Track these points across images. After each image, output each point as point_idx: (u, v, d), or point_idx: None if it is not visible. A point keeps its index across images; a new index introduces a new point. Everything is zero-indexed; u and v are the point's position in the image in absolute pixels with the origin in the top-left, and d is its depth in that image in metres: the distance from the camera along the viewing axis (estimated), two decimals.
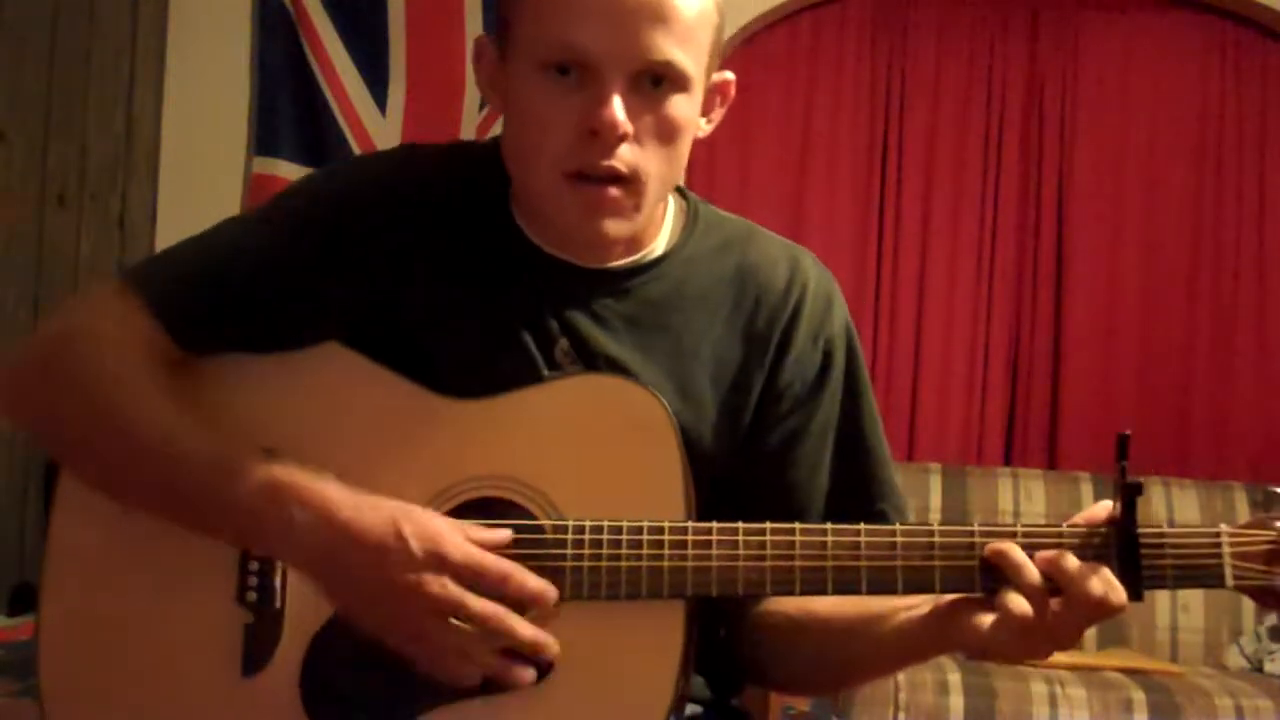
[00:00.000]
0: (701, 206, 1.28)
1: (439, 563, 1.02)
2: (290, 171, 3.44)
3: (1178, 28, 3.87)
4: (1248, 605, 3.25)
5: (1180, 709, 2.75)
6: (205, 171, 3.49)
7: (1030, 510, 3.32)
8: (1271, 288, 3.82)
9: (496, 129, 3.67)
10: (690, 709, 1.23)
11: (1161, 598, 3.20)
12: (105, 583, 1.13)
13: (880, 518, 1.24)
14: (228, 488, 1.05)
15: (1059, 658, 3.02)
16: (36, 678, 1.13)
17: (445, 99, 3.49)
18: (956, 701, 2.75)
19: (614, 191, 1.10)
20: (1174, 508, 3.36)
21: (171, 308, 1.15)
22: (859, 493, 1.25)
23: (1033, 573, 1.03)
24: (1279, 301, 3.82)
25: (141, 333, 1.14)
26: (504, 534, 1.06)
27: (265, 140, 3.51)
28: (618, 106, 1.07)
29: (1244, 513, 3.34)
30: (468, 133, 3.46)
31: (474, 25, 3.48)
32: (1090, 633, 3.26)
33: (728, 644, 1.28)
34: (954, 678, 2.79)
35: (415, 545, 1.02)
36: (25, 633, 2.77)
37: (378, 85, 3.52)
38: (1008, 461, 3.80)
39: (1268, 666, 3.16)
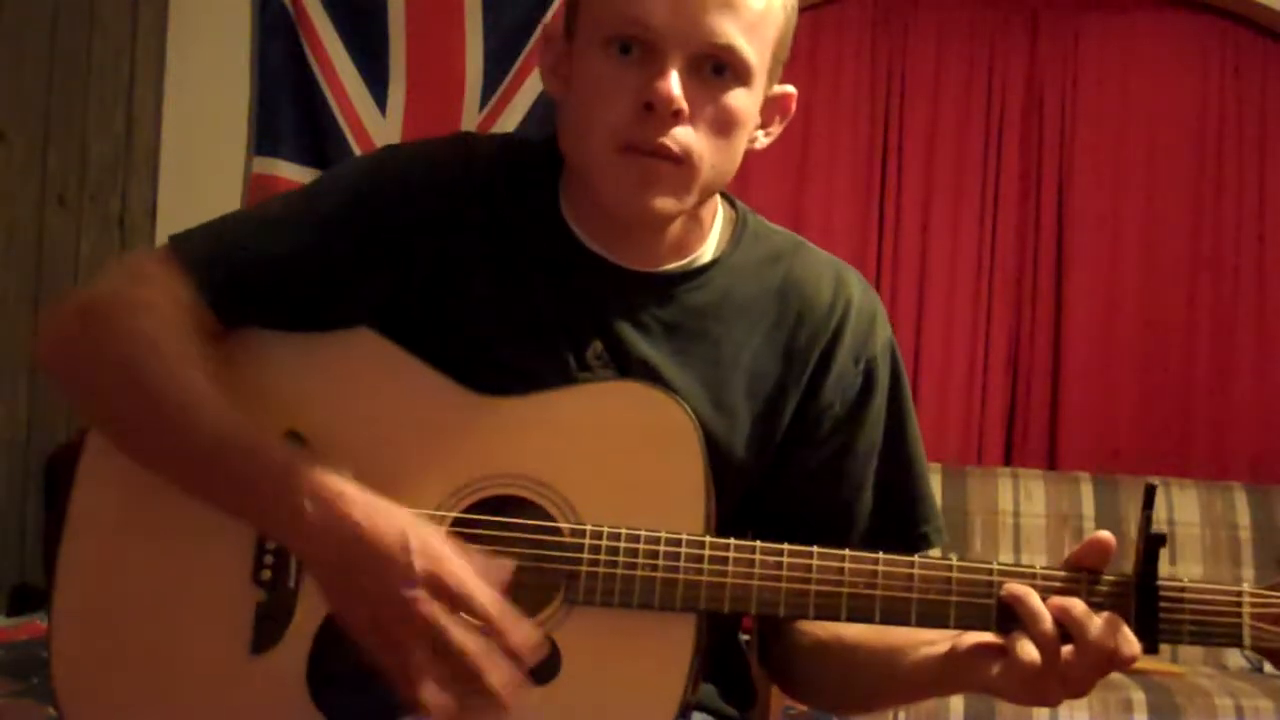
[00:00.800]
0: (750, 217, 1.27)
1: (436, 585, 1.00)
2: (290, 171, 3.44)
3: (1178, 28, 3.87)
4: None
5: (1180, 709, 2.75)
6: (205, 171, 3.48)
7: (1030, 510, 3.32)
8: (1271, 288, 3.82)
9: (497, 130, 3.65)
10: (699, 717, 1.22)
11: None
12: (122, 557, 1.14)
13: (923, 540, 1.24)
14: (244, 466, 1.06)
15: None
16: (48, 648, 1.13)
17: (445, 99, 3.49)
18: (956, 701, 2.75)
19: (665, 167, 1.10)
20: (1174, 508, 3.36)
21: (215, 281, 1.16)
22: (903, 515, 1.24)
23: (1047, 622, 1.02)
24: (1279, 301, 3.82)
25: (182, 302, 1.14)
26: (507, 564, 1.04)
27: (265, 140, 3.51)
28: (675, 83, 1.07)
29: (1244, 513, 3.35)
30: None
31: (474, 25, 3.48)
32: None
33: (763, 649, 1.28)
34: None
35: (418, 562, 1.00)
36: (25, 633, 2.77)
37: (378, 85, 3.52)
38: (1008, 461, 3.80)
39: (1268, 666, 3.16)
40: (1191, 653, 3.23)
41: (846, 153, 3.88)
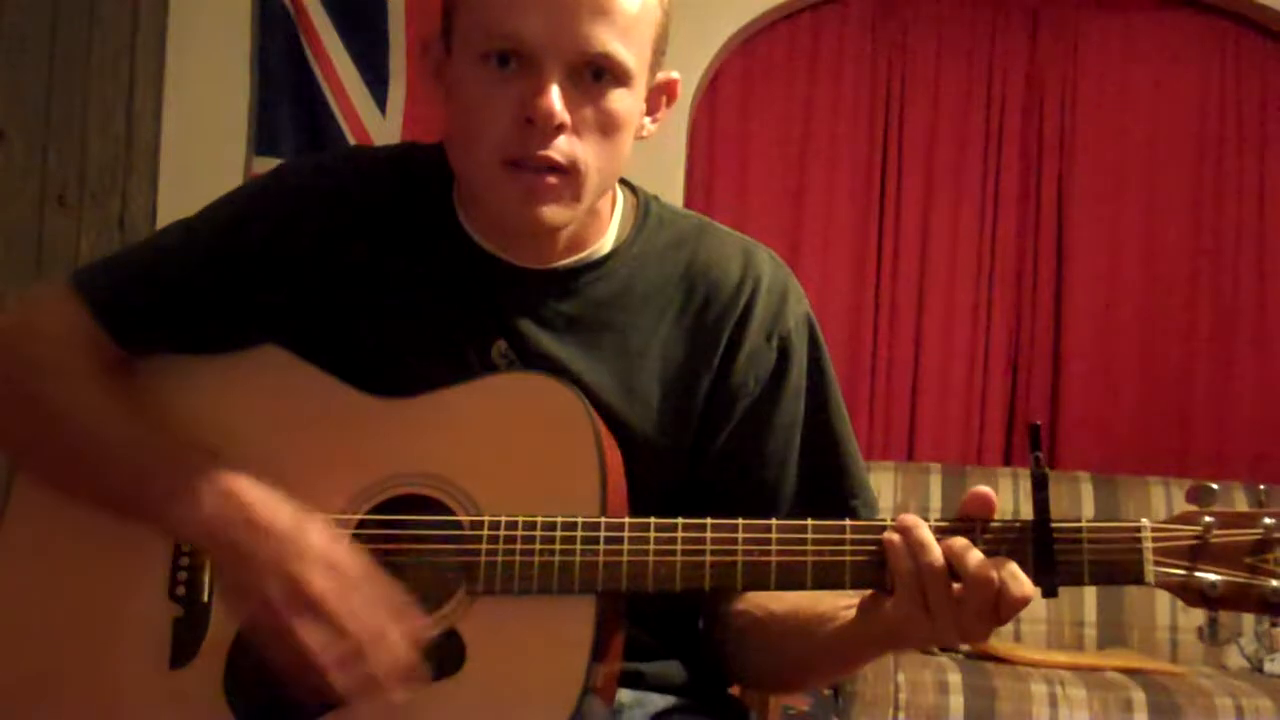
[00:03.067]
0: (653, 203, 1.27)
1: (328, 565, 1.03)
2: None
3: (1178, 28, 3.87)
4: None
5: (1180, 709, 2.75)
6: (205, 171, 3.48)
7: (1030, 510, 3.31)
8: (1271, 288, 3.82)
9: None
10: (664, 700, 1.23)
11: (1162, 596, 3.19)
12: (47, 579, 1.16)
13: (853, 515, 1.22)
14: (143, 471, 1.09)
15: (1059, 657, 3.02)
16: None
17: None
18: (956, 701, 2.75)
19: (551, 179, 1.10)
20: (1174, 508, 3.36)
21: (109, 306, 1.19)
22: (830, 490, 1.24)
23: (935, 551, 1.02)
24: (1279, 301, 3.82)
25: (81, 330, 1.18)
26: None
27: (265, 140, 3.52)
28: (555, 96, 1.07)
29: None
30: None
31: None
32: (1090, 633, 3.26)
33: (706, 642, 1.28)
34: (954, 678, 2.79)
35: (313, 543, 1.04)
36: None
37: (378, 85, 3.52)
38: (1008, 461, 3.80)
39: (1268, 666, 3.16)
40: (1191, 652, 3.23)
41: (846, 153, 3.88)
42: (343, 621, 1.02)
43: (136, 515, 1.11)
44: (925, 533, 1.03)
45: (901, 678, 2.78)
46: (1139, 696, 2.77)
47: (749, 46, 3.83)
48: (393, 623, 1.03)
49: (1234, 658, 3.21)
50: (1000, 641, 3.08)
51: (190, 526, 1.07)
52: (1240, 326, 3.81)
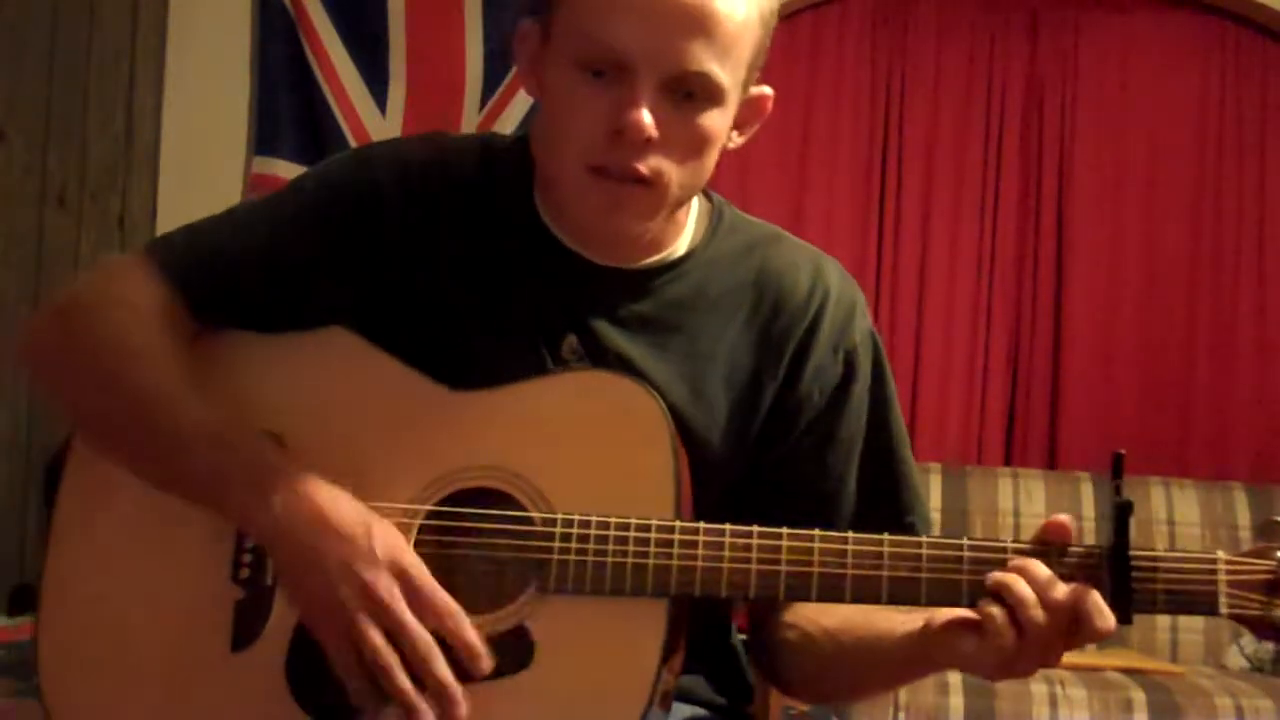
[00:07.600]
0: (726, 209, 1.28)
1: (396, 570, 1.03)
2: (290, 171, 3.44)
3: (1178, 28, 3.87)
4: None
5: (1180, 709, 2.75)
6: (205, 171, 3.48)
7: (1030, 510, 3.32)
8: (1271, 288, 3.82)
9: (497, 130, 3.65)
10: (690, 710, 1.23)
11: None
12: (107, 558, 1.15)
13: (909, 530, 1.23)
14: (214, 457, 1.08)
15: None
16: (36, 648, 1.14)
17: (445, 99, 3.49)
18: (956, 701, 2.75)
19: (634, 190, 1.10)
20: (1174, 508, 3.36)
21: (190, 280, 1.17)
22: (888, 505, 1.24)
23: (1037, 609, 1.00)
24: (1279, 301, 3.82)
25: (160, 302, 1.16)
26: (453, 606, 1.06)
27: (265, 140, 3.51)
28: (646, 111, 1.07)
29: (1244, 513, 3.35)
30: (468, 132, 3.46)
31: (474, 25, 3.48)
32: None
33: (754, 647, 1.28)
34: (954, 678, 2.79)
35: (379, 547, 1.03)
36: (25, 633, 2.77)
37: (378, 85, 3.52)
38: (1008, 461, 3.80)
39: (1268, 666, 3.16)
40: (1192, 653, 3.24)
41: (846, 153, 3.88)
42: (407, 626, 1.01)
43: (208, 505, 1.10)
44: (1024, 588, 1.01)
45: None
46: (1139, 696, 2.77)
47: None
48: (460, 628, 1.03)
49: (1234, 658, 3.21)
50: None
51: (261, 526, 1.06)
52: (1240, 326, 3.81)
